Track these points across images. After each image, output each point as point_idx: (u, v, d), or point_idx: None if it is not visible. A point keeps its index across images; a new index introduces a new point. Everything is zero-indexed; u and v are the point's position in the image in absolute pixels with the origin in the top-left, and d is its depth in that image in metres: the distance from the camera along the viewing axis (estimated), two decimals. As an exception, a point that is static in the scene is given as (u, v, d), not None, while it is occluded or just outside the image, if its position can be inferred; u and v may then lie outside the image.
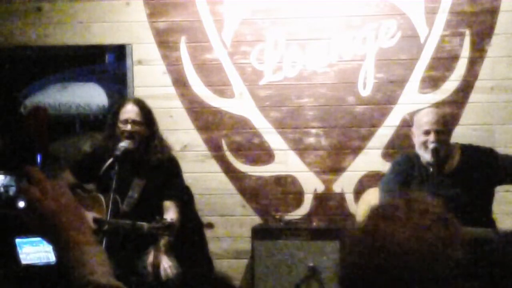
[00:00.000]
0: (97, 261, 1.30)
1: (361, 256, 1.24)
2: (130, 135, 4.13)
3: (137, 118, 4.18)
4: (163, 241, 4.04)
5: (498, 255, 1.47)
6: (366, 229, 1.27)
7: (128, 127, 4.14)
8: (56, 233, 1.31)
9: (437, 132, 3.94)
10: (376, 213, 1.29)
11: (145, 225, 3.85)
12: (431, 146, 3.92)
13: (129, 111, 4.19)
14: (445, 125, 4.01)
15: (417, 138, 4.01)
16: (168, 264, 4.02)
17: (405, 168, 4.09)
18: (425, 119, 4.00)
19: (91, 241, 1.33)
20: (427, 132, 3.95)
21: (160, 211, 4.14)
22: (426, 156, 3.95)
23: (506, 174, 3.97)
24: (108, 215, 3.90)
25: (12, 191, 5.43)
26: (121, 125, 4.17)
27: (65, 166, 4.90)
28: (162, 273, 4.01)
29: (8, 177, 5.46)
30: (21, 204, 5.27)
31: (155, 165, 4.24)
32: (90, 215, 3.98)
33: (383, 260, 1.22)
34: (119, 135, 4.15)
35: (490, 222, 4.01)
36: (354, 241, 1.28)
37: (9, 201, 5.32)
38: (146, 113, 4.23)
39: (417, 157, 4.05)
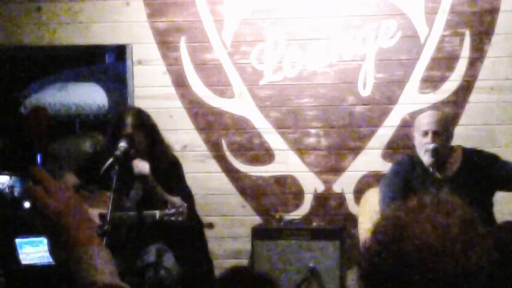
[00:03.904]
0: (101, 261, 1.31)
1: (383, 250, 1.23)
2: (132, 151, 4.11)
3: (137, 138, 4.14)
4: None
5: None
6: (390, 223, 1.26)
7: (127, 141, 4.10)
8: (60, 233, 1.32)
9: (436, 133, 3.92)
10: (401, 208, 1.28)
11: (157, 212, 3.86)
12: (430, 146, 3.90)
13: (129, 135, 4.13)
14: (444, 126, 3.98)
15: (417, 140, 4.00)
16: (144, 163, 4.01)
17: (406, 169, 4.08)
18: (424, 120, 3.99)
19: (95, 241, 1.33)
20: (425, 133, 3.94)
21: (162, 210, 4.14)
22: (425, 159, 3.93)
23: (505, 181, 3.95)
24: (109, 215, 3.89)
25: (16, 191, 5.44)
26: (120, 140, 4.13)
27: (68, 168, 4.90)
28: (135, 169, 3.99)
29: (13, 178, 5.46)
30: (26, 204, 5.28)
31: (157, 167, 4.23)
32: (95, 212, 3.98)
33: (404, 256, 1.21)
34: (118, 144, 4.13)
35: (490, 225, 4.00)
36: (377, 234, 1.26)
37: (14, 202, 5.33)
38: (146, 125, 4.19)
39: (418, 158, 4.04)
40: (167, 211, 3.87)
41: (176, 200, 4.02)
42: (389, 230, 1.24)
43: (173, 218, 3.88)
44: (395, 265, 1.21)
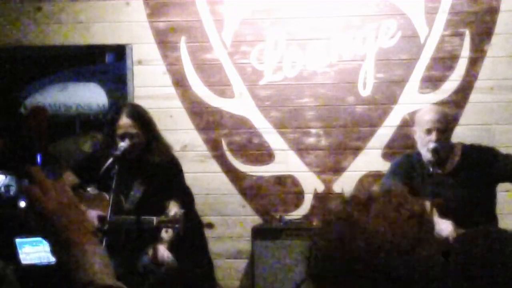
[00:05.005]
0: (98, 261, 1.30)
1: (331, 245, 1.21)
2: (130, 147, 4.11)
3: (133, 131, 4.13)
4: (166, 236, 4.05)
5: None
6: (338, 216, 1.23)
7: (127, 141, 4.10)
8: (57, 233, 1.31)
9: (439, 131, 3.94)
10: (350, 200, 1.25)
11: (154, 218, 3.87)
12: (431, 146, 3.92)
13: (125, 125, 4.12)
14: (446, 123, 4.01)
15: (419, 136, 4.01)
16: (167, 253, 4.04)
17: (405, 168, 4.09)
18: (427, 117, 4.00)
19: (91, 242, 1.33)
20: (428, 131, 3.95)
21: (162, 211, 4.14)
22: (427, 155, 3.96)
23: (506, 173, 3.97)
24: (109, 215, 3.89)
25: (13, 191, 5.43)
26: (119, 140, 4.14)
27: (66, 166, 4.90)
28: (160, 257, 4.01)
29: (9, 177, 5.45)
30: (22, 204, 5.30)
31: (155, 165, 4.24)
32: (94, 213, 3.98)
33: (352, 250, 1.18)
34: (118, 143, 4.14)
35: (492, 221, 4.01)
36: (326, 228, 1.24)
37: (10, 201, 5.32)
38: (141, 121, 4.18)
39: (418, 156, 4.05)
40: (164, 217, 3.88)
41: (175, 208, 4.05)
42: (341, 228, 1.21)
43: (170, 225, 3.90)
44: (346, 263, 1.19)
